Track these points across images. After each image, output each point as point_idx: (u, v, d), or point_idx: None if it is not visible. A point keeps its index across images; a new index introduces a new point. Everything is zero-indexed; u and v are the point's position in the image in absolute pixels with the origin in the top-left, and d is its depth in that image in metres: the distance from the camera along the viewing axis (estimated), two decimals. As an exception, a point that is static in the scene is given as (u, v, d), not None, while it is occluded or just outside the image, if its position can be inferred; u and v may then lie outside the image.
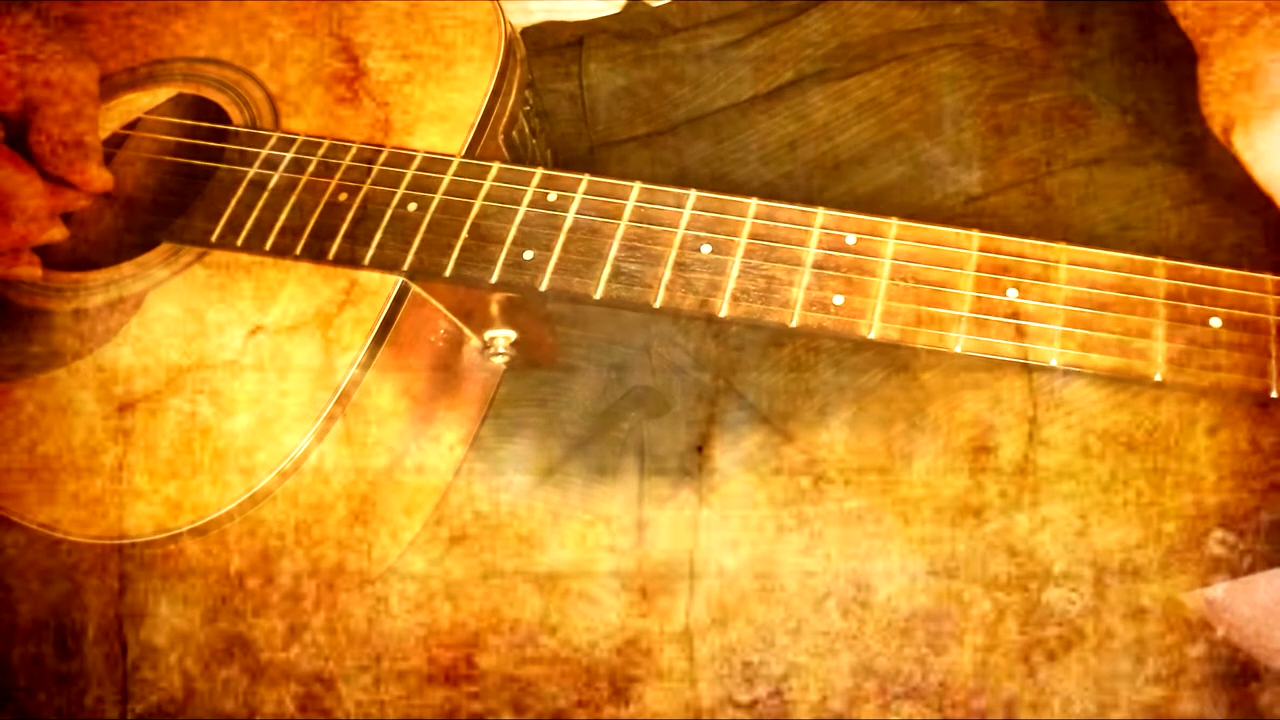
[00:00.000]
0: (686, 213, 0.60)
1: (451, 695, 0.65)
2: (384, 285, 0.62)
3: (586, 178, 0.62)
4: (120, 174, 0.70)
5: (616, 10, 0.80)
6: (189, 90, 0.71)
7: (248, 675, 0.64)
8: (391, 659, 0.65)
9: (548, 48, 0.80)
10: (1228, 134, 0.56)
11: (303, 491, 0.60)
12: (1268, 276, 0.53)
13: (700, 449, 0.69)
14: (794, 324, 0.56)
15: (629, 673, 0.65)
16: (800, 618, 0.65)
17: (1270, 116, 0.54)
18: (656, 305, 0.58)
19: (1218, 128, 0.57)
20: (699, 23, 0.79)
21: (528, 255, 0.60)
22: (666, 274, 0.59)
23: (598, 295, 0.59)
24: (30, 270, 0.64)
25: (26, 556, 0.61)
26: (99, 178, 0.65)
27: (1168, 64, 0.73)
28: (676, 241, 0.59)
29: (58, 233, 0.65)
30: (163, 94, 0.72)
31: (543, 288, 0.60)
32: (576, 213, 0.61)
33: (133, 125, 0.71)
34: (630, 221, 0.60)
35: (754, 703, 0.64)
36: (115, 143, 0.71)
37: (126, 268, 0.65)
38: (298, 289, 0.63)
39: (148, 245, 0.65)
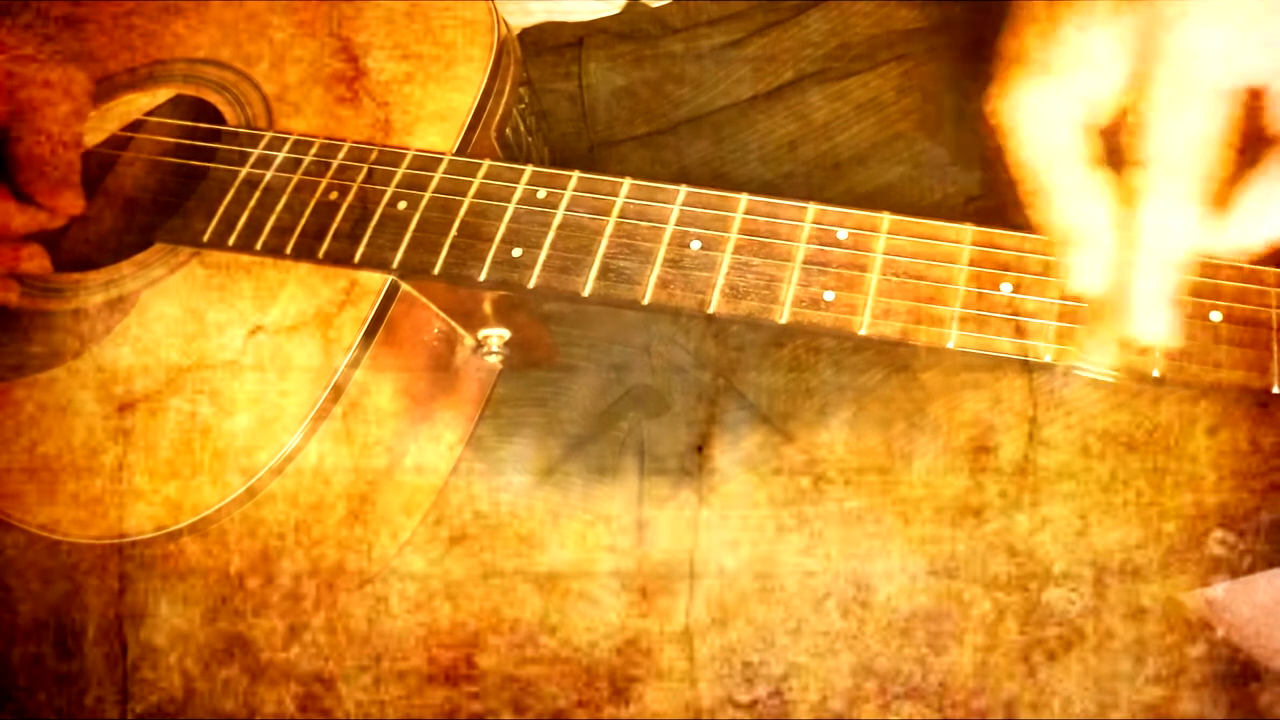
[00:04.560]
0: (676, 209, 0.60)
1: (451, 695, 0.65)
2: (381, 284, 0.62)
3: (576, 174, 0.62)
4: (120, 175, 0.70)
5: (616, 10, 0.80)
6: (188, 91, 0.71)
7: (248, 675, 0.64)
8: (391, 659, 0.65)
9: (547, 48, 0.80)
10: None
11: (302, 491, 0.60)
12: (1269, 270, 0.53)
13: (700, 449, 0.69)
14: (784, 320, 0.56)
15: (629, 673, 0.65)
16: (800, 618, 0.64)
17: (1005, 78, 0.55)
18: (645, 302, 0.58)
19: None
20: (699, 23, 0.79)
21: (516, 253, 0.60)
22: (656, 270, 0.58)
23: (586, 292, 0.59)
24: (40, 263, 0.64)
25: (26, 557, 0.61)
26: (73, 202, 0.64)
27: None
28: (666, 238, 0.59)
29: (43, 263, 0.64)
30: (162, 94, 0.72)
31: (531, 285, 0.59)
32: (566, 210, 0.61)
33: (134, 126, 0.71)
34: (620, 218, 0.60)
35: (754, 703, 0.64)
36: (116, 144, 0.71)
37: (125, 267, 0.65)
38: (298, 289, 0.63)
39: (145, 245, 0.65)
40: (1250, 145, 0.51)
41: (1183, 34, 0.51)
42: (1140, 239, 0.50)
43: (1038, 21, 0.56)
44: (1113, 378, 0.52)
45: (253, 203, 0.64)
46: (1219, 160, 0.50)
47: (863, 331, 0.55)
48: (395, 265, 0.61)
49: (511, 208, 0.62)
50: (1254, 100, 0.51)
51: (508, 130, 0.71)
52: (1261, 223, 0.50)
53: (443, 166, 0.64)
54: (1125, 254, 0.51)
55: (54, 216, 0.64)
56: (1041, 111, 0.54)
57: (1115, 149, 0.52)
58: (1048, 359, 0.53)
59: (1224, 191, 0.51)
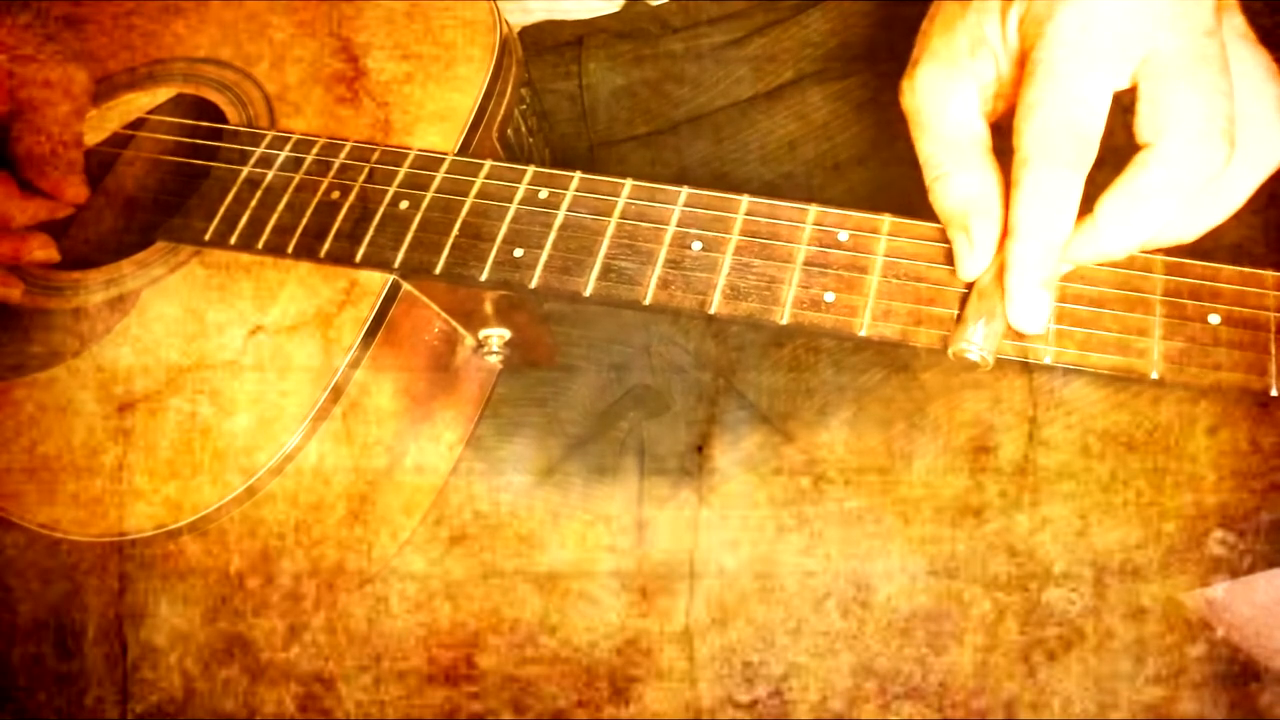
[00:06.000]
0: (678, 210, 0.60)
1: (451, 695, 0.65)
2: (382, 284, 0.62)
3: (578, 175, 0.62)
4: (120, 174, 0.70)
5: (616, 10, 0.80)
6: (189, 90, 0.71)
7: (248, 675, 0.64)
8: (391, 659, 0.65)
9: (547, 47, 0.80)
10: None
11: (302, 491, 0.60)
12: (1268, 273, 0.53)
13: (700, 449, 0.69)
14: (785, 321, 0.56)
15: (629, 673, 0.65)
16: (800, 618, 0.65)
17: (912, 66, 0.56)
18: (646, 302, 0.58)
19: None
20: (699, 22, 0.79)
21: (518, 253, 0.60)
22: (657, 271, 0.58)
23: (587, 293, 0.59)
24: (48, 253, 0.64)
25: (26, 556, 0.61)
26: (77, 190, 0.65)
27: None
28: (667, 238, 0.59)
29: (50, 252, 0.64)
30: (162, 94, 0.72)
31: (533, 285, 0.59)
32: (568, 210, 0.61)
33: (135, 125, 0.71)
34: (621, 219, 0.60)
35: (754, 703, 0.64)
36: (117, 142, 0.71)
37: (125, 266, 0.65)
38: (298, 289, 0.63)
39: (146, 244, 0.66)
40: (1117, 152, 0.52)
41: (1064, 23, 0.51)
42: (1014, 227, 0.51)
43: (945, 10, 0.56)
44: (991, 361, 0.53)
45: (254, 202, 0.64)
46: (1093, 155, 0.51)
47: (863, 333, 0.55)
48: (397, 265, 0.61)
49: (513, 208, 0.62)
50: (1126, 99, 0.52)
51: (509, 131, 0.71)
52: (1122, 230, 0.51)
53: (444, 166, 0.64)
54: (1005, 242, 0.52)
55: (58, 206, 0.65)
56: (940, 99, 0.55)
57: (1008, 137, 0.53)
58: (1048, 360, 0.53)
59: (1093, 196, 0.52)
